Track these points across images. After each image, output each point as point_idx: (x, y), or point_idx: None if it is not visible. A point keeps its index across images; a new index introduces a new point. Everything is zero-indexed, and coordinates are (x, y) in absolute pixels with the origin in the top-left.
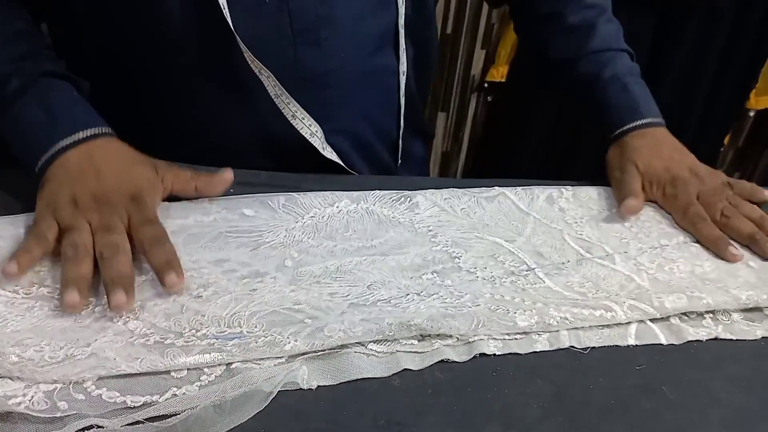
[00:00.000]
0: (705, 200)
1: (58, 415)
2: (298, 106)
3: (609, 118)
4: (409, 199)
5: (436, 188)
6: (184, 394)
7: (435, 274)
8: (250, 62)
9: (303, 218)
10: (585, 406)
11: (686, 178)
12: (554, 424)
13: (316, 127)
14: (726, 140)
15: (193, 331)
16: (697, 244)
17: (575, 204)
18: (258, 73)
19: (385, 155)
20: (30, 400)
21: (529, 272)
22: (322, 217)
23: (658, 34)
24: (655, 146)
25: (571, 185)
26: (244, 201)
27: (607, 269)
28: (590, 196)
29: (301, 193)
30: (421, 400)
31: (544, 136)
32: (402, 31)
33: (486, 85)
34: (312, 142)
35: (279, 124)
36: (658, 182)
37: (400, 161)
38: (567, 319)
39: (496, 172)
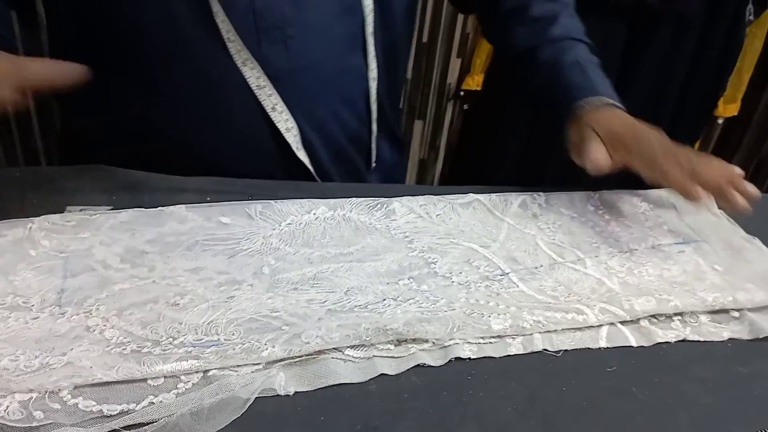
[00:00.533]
0: (672, 153)
1: (34, 425)
2: (279, 98)
3: (567, 97)
4: (385, 205)
5: (412, 195)
6: (161, 402)
7: (411, 280)
8: (234, 52)
9: (280, 225)
10: (558, 408)
11: (650, 134)
12: (528, 426)
13: (292, 123)
14: (696, 147)
15: (171, 339)
16: (665, 249)
17: (548, 210)
18: (242, 64)
19: (356, 158)
20: (5, 410)
21: (503, 277)
22: (299, 224)
23: (628, 42)
24: (614, 115)
25: (545, 192)
26: (221, 209)
27: (579, 273)
28: (562, 202)
29: (278, 200)
30: (398, 404)
31: (519, 143)
32: (370, 39)
33: (462, 93)
34: (286, 138)
35: (254, 119)
36: (621, 141)
37: (373, 165)
38: (540, 322)
39: (472, 179)
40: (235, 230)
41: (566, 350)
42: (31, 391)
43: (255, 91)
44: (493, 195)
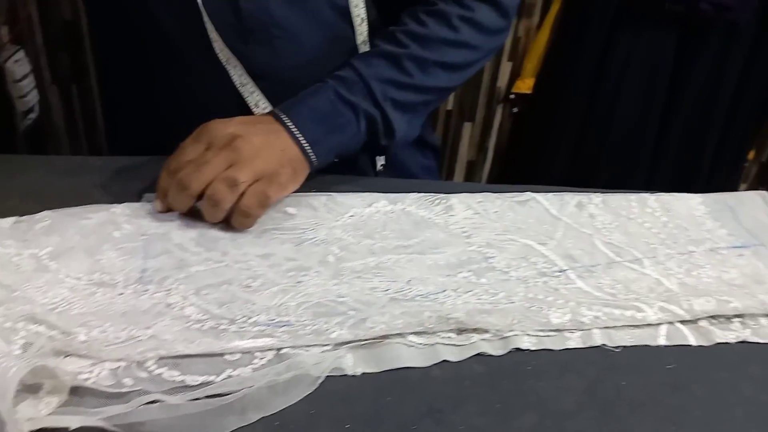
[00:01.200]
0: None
1: (124, 390)
2: (263, 95)
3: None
4: (444, 201)
5: (469, 192)
6: (239, 375)
7: (470, 273)
8: (218, 51)
9: (343, 217)
10: (617, 400)
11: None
12: (588, 416)
13: None
14: (751, 155)
15: (245, 318)
16: (723, 252)
17: (604, 210)
18: (225, 62)
19: (359, 160)
20: (97, 376)
21: (560, 273)
22: (361, 216)
23: (679, 51)
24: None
25: (600, 192)
26: (287, 200)
27: (636, 272)
28: (618, 203)
29: (341, 193)
30: (460, 390)
31: (569, 147)
32: (363, 47)
33: (512, 96)
34: None
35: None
36: None
37: (379, 168)
38: (599, 318)
39: (522, 181)
40: (300, 221)
41: (625, 346)
42: (119, 360)
43: (239, 89)
44: (549, 194)
